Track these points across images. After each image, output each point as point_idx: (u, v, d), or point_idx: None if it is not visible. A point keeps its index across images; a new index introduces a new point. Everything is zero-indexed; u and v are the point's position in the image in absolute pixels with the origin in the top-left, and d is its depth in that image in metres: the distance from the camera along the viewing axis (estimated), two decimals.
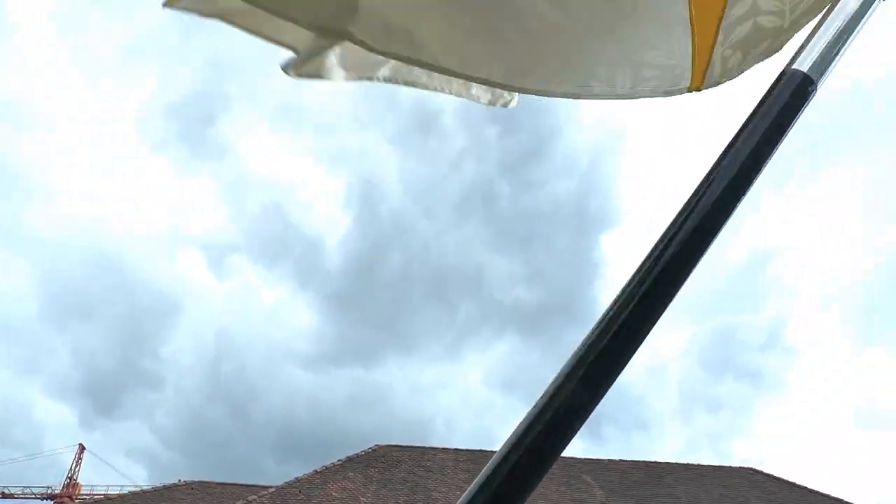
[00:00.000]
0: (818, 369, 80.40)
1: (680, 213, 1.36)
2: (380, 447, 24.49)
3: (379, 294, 75.65)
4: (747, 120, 1.40)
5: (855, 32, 1.40)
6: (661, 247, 1.34)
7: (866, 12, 1.41)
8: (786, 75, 1.40)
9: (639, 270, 1.33)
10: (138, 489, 24.81)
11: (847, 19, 1.40)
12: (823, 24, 1.42)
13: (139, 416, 66.51)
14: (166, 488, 23.80)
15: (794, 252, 76.28)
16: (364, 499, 21.12)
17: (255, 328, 71.18)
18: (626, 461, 27.00)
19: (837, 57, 1.41)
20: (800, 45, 1.44)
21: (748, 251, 75.41)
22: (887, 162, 72.66)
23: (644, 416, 78.37)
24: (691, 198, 1.36)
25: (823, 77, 1.41)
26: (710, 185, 1.37)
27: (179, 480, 24.62)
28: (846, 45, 1.41)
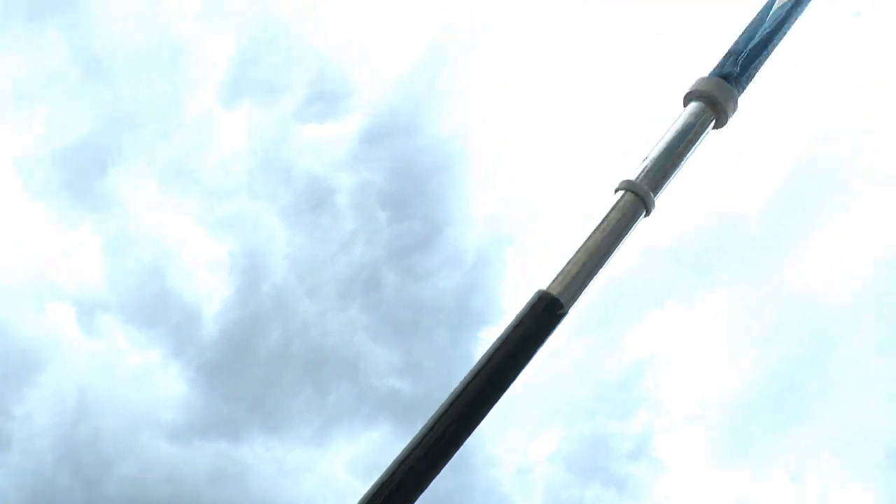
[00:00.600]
0: (681, 484, 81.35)
1: (421, 432, 1.36)
2: None
3: (252, 369, 72.34)
4: (496, 341, 1.43)
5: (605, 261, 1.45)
6: (391, 471, 1.34)
7: (613, 249, 1.45)
8: (536, 297, 1.42)
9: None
10: None
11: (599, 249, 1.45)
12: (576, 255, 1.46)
13: None
14: None
15: (667, 367, 77.62)
16: None
17: (119, 392, 66.65)
18: None
19: (588, 284, 1.45)
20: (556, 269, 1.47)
21: (627, 361, 76.27)
22: (751, 291, 75.78)
23: None
24: (431, 419, 1.36)
25: (573, 302, 1.44)
26: (449, 406, 1.38)
27: None
28: (597, 272, 1.45)
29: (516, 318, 1.45)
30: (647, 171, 1.53)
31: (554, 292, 1.48)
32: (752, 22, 1.80)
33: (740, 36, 1.77)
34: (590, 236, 1.48)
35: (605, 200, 1.51)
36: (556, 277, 1.48)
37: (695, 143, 1.58)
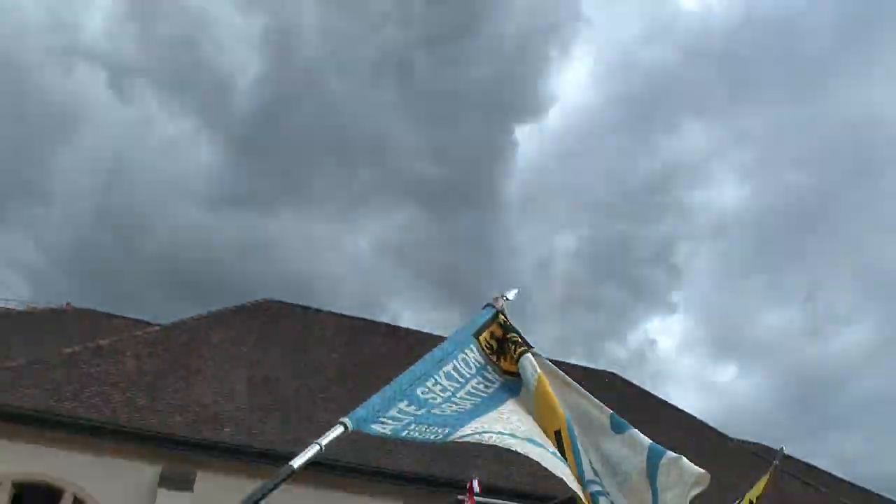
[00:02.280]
0: (696, 293, 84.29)
1: None
2: (266, 301, 24.99)
3: (281, 144, 74.33)
4: None
5: None
6: None
7: None
8: None
9: None
10: (23, 306, 24.60)
11: None
12: None
13: (23, 228, 64.33)
14: (53, 311, 23.79)
15: (698, 176, 78.81)
16: (244, 349, 21.71)
17: (152, 159, 69.12)
18: None
19: None
20: None
21: (659, 166, 77.46)
22: (797, 110, 75.34)
23: (524, 308, 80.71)
24: None
25: None
26: None
27: (68, 305, 24.59)
28: None
29: None
30: None
31: None
32: None
33: None
34: None
35: None
36: None
37: None
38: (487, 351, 4.78)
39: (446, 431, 3.47)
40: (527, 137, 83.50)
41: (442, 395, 3.88)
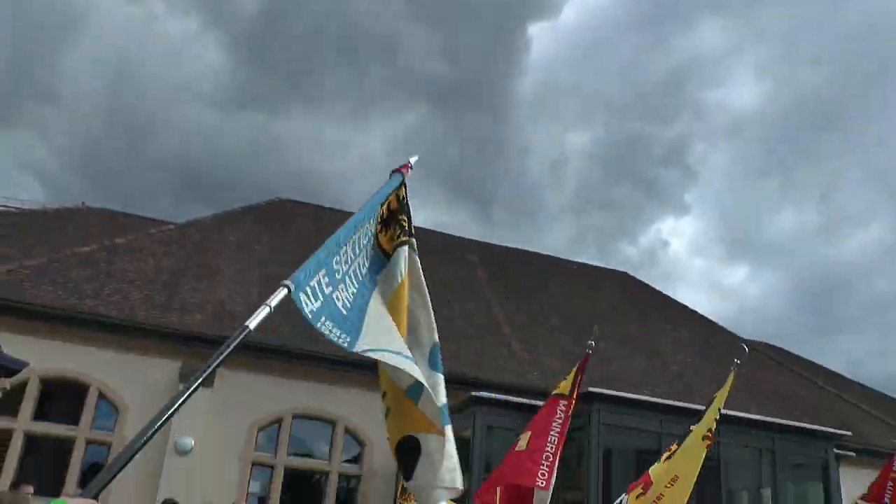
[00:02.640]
0: (710, 193, 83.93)
1: None
2: (279, 200, 25.02)
3: (289, 44, 73.03)
4: None
5: None
6: None
7: None
8: None
9: None
10: (38, 207, 24.67)
11: None
12: None
13: (34, 129, 64.20)
14: (68, 210, 23.87)
15: (713, 75, 77.41)
16: (259, 247, 21.83)
17: (158, 60, 68.30)
18: (512, 249, 28.51)
19: None
20: None
21: (674, 64, 76.09)
22: (815, 7, 73.35)
23: (537, 206, 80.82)
24: None
25: None
26: None
27: (82, 204, 24.65)
28: None
29: None
30: None
31: None
32: None
33: None
34: None
35: None
36: None
37: None
38: (377, 221, 4.48)
39: (348, 340, 3.38)
40: (540, 36, 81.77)
41: (343, 268, 3.75)
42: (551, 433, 7.79)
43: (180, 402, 2.33)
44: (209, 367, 2.44)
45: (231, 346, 2.63)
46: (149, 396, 16.23)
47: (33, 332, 16.05)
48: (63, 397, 17.22)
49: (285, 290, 3.06)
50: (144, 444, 2.21)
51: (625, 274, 29.59)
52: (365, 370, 18.13)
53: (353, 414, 18.27)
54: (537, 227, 79.74)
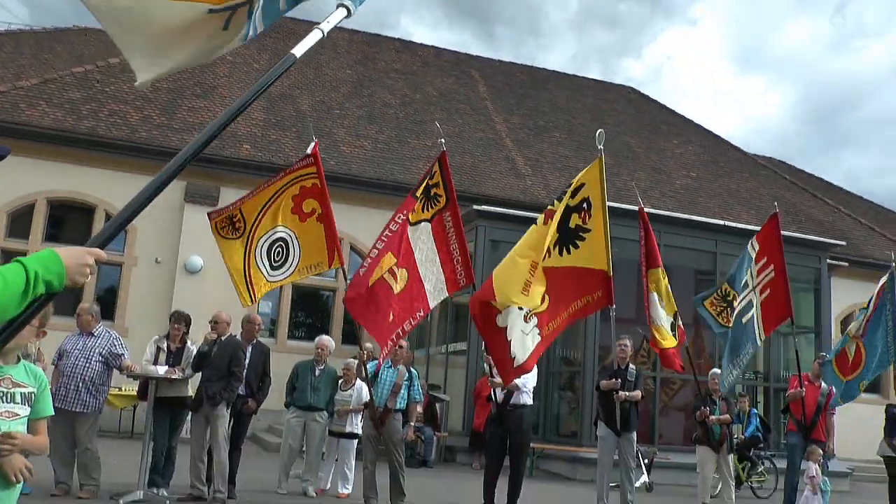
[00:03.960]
0: (722, 4, 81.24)
1: None
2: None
3: None
4: None
5: None
6: None
7: None
8: None
9: None
10: (27, 28, 24.00)
11: None
12: None
13: None
14: (59, 31, 23.25)
15: None
16: (258, 66, 21.43)
17: None
18: (515, 64, 27.92)
19: None
20: None
21: None
22: None
23: (540, 23, 78.61)
24: None
25: None
26: None
27: (74, 25, 23.97)
28: None
29: None
30: None
31: None
32: None
33: None
34: None
35: None
36: None
37: None
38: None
39: None
40: None
41: None
42: (451, 244, 7.98)
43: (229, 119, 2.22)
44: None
45: (279, 75, 2.49)
46: (156, 217, 16.41)
47: (32, 153, 16.05)
48: (71, 220, 17.45)
49: (344, 12, 2.81)
50: (153, 195, 2.21)
51: (631, 89, 29.08)
52: (370, 188, 18.24)
53: (358, 232, 18.52)
54: (540, 44, 77.64)
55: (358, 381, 9.47)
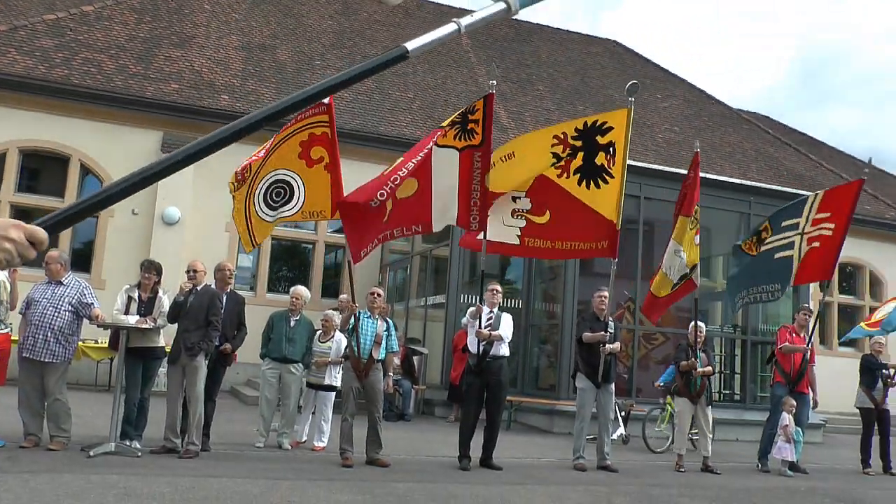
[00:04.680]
0: None
1: None
2: None
3: None
4: None
5: None
6: None
7: None
8: None
9: None
10: None
11: None
12: None
13: None
14: None
15: None
16: (237, 15, 21.02)
17: None
18: None
19: None
20: None
21: None
22: None
23: None
24: None
25: None
26: None
27: None
28: None
29: None
30: None
31: None
32: None
33: None
34: None
35: None
36: None
37: None
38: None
39: None
40: None
41: None
42: (474, 183, 8.00)
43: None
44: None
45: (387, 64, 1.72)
46: (132, 166, 16.03)
47: (4, 101, 15.75)
48: (46, 169, 17.17)
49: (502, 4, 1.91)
50: (111, 195, 1.40)
51: (615, 42, 28.76)
52: (351, 139, 18.04)
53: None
54: None
55: (337, 332, 9.40)
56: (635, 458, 10.22)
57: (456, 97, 20.96)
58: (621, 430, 11.43)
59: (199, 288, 8.19)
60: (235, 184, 7.59)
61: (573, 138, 8.24)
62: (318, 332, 9.43)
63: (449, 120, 8.12)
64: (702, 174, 15.84)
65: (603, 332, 8.79)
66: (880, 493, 8.76)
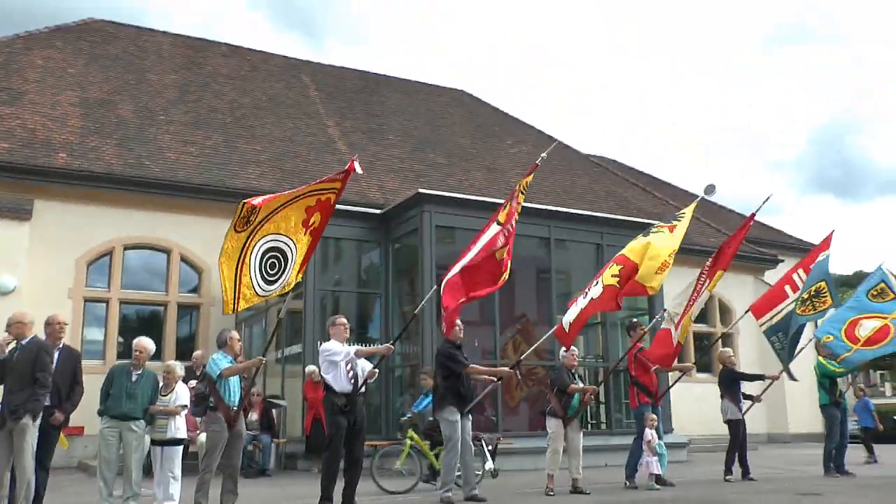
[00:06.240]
0: None
1: None
2: (93, 21, 23.01)
3: None
4: None
5: None
6: None
7: None
8: None
9: None
10: None
11: None
12: None
13: None
14: None
15: None
16: (73, 70, 20.15)
17: None
18: (345, 68, 27.58)
19: None
20: None
21: None
22: None
23: (369, 31, 78.96)
24: None
25: None
26: None
27: None
28: None
29: None
30: None
31: None
32: None
33: None
34: None
35: None
36: None
37: None
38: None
39: None
40: None
41: None
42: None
43: None
44: None
45: None
46: None
47: None
48: None
49: None
50: None
51: (462, 91, 29.34)
52: (198, 194, 17.45)
53: (187, 241, 17.68)
54: (371, 50, 77.82)
55: (179, 383, 8.83)
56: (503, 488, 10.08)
57: (305, 148, 20.71)
58: (490, 464, 11.21)
59: (24, 342, 7.50)
60: (239, 220, 7.08)
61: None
62: (161, 385, 8.81)
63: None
64: (557, 208, 16.30)
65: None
66: (738, 496, 8.95)
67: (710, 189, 9.27)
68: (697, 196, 10.16)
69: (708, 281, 10.40)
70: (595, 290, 9.64)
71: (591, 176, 25.64)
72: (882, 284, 11.42)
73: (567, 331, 9.59)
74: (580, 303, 9.70)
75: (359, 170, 7.46)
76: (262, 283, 7.21)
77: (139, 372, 8.51)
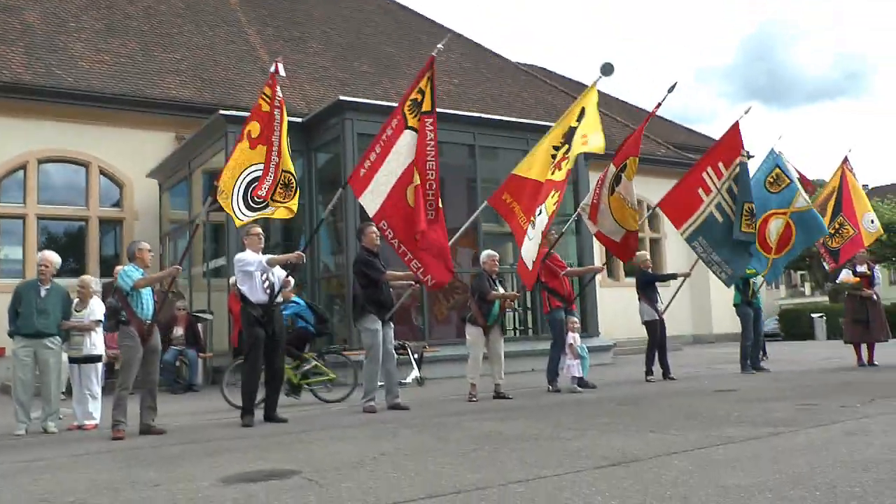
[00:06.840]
0: None
1: None
2: None
3: None
4: None
5: None
6: None
7: None
8: None
9: None
10: None
11: None
12: None
13: None
14: None
15: None
16: None
17: None
18: None
19: None
20: None
21: None
22: None
23: None
24: None
25: None
26: None
27: None
28: None
29: None
30: None
31: None
32: None
33: None
34: None
35: None
36: None
37: None
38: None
39: None
40: None
41: None
42: (429, 160, 8.40)
43: None
44: None
45: None
46: None
47: None
48: None
49: None
50: None
51: (389, 0, 28.58)
52: (115, 104, 16.80)
53: (106, 154, 17.12)
54: None
55: (95, 299, 8.60)
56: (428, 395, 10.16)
57: (226, 57, 20.04)
58: (416, 373, 11.29)
59: None
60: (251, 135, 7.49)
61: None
62: (76, 301, 8.57)
63: (408, 101, 8.43)
64: (481, 115, 16.13)
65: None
66: (657, 395, 9.14)
67: (608, 68, 8.83)
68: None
69: (615, 168, 10.12)
70: (540, 219, 9.06)
71: (519, 84, 25.40)
72: (777, 170, 11.54)
73: (529, 269, 9.16)
74: (532, 235, 9.12)
75: (282, 72, 7.43)
76: (243, 208, 7.58)
77: (47, 287, 8.26)
